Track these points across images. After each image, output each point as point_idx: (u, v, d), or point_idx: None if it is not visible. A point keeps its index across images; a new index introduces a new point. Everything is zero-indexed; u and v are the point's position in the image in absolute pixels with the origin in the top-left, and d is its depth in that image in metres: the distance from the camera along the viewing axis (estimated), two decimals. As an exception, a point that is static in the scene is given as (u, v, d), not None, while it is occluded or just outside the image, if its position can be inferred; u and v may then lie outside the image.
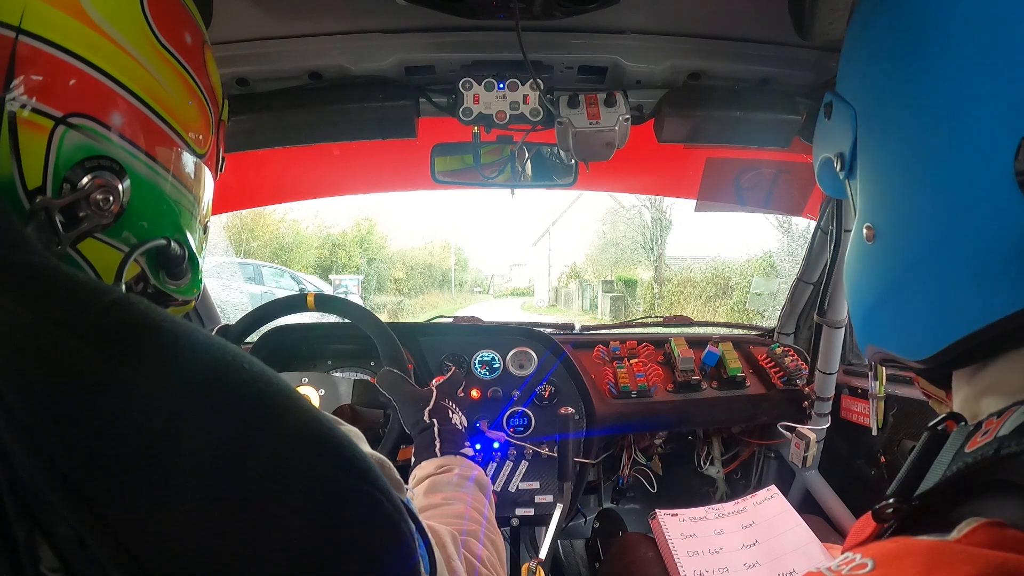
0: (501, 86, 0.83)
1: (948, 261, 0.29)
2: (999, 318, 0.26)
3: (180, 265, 0.41)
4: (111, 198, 0.33)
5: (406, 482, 0.40)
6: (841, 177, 0.38)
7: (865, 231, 0.35)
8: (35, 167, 0.30)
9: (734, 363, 1.27)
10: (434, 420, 0.73)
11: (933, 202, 0.29)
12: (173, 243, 0.39)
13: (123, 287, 0.35)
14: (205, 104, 0.43)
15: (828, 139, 0.40)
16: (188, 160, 0.41)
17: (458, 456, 0.69)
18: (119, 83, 0.34)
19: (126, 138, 0.34)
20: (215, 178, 0.48)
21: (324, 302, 0.98)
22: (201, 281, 0.45)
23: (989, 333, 0.27)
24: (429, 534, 0.39)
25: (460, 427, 0.75)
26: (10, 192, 0.29)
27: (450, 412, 0.76)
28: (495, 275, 26.34)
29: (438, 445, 0.70)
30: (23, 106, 0.29)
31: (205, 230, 0.47)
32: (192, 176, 0.42)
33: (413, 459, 0.72)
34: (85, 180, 0.32)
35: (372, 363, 1.19)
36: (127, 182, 0.34)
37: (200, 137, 0.42)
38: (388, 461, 0.37)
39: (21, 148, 0.29)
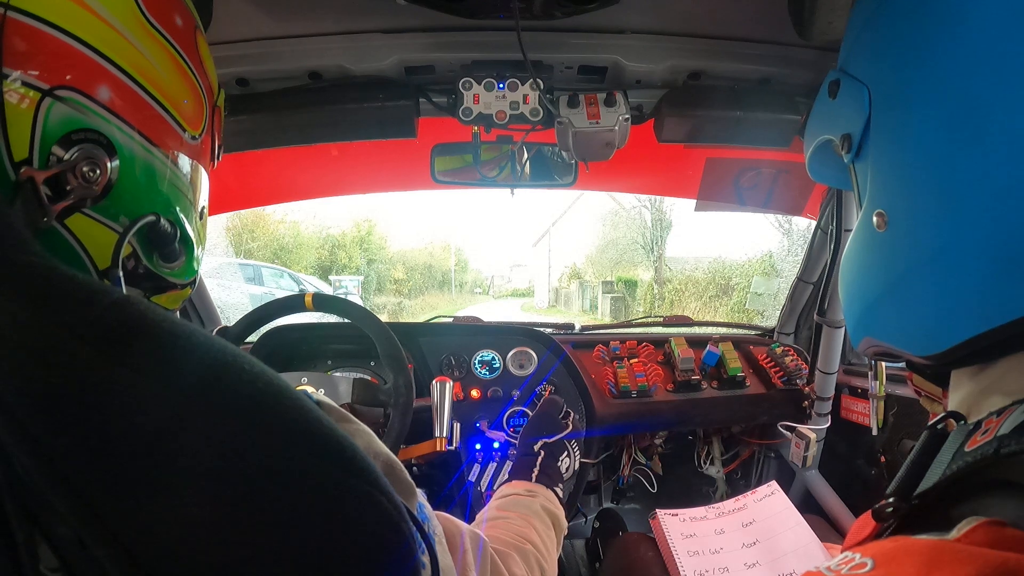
0: (501, 86, 0.83)
1: (969, 253, 0.27)
2: (1020, 316, 0.25)
3: (171, 244, 0.40)
4: (98, 170, 0.33)
5: (419, 486, 0.39)
6: (846, 160, 0.36)
7: (875, 218, 0.33)
8: (22, 139, 0.30)
9: (734, 363, 1.27)
10: (543, 452, 0.80)
11: (957, 189, 0.27)
12: (163, 220, 0.38)
13: (120, 269, 0.35)
14: (197, 86, 0.43)
15: (832, 119, 0.37)
16: (178, 139, 0.41)
17: (551, 490, 0.74)
18: (107, 58, 0.34)
19: (114, 112, 0.34)
20: (211, 166, 0.47)
21: (322, 302, 0.98)
22: (196, 267, 0.45)
23: (1007, 332, 0.26)
24: (437, 539, 0.38)
25: (564, 470, 0.81)
26: None
27: (564, 455, 0.82)
28: (495, 276, 26.38)
29: (535, 473, 0.76)
30: (10, 79, 0.29)
31: (202, 216, 0.46)
32: (183, 156, 0.41)
33: (508, 475, 0.78)
34: (71, 152, 0.32)
35: (372, 363, 1.19)
36: (116, 157, 0.34)
37: (191, 118, 0.42)
38: (399, 463, 0.37)
39: (8, 120, 0.29)
